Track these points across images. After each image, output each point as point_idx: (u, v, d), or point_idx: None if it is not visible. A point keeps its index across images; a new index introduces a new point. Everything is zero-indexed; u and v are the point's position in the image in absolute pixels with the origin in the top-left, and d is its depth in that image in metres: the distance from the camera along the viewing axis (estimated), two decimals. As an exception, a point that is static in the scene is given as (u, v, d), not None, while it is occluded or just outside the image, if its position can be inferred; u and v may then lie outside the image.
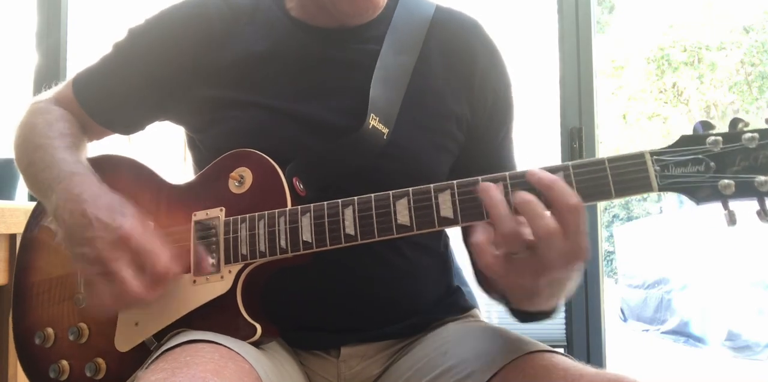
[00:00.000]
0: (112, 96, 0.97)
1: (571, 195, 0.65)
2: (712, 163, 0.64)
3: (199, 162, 0.98)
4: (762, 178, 0.62)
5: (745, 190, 0.63)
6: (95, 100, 0.97)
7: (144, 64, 0.95)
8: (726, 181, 0.63)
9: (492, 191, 0.67)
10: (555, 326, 2.23)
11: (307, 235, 0.78)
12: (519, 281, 0.68)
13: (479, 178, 0.70)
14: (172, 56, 0.94)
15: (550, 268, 0.66)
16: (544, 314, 0.79)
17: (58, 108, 0.97)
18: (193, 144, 0.99)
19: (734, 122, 0.65)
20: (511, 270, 0.67)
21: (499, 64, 1.00)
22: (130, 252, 0.76)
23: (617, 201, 12.88)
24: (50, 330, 0.91)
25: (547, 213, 0.65)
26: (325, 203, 0.78)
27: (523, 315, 0.81)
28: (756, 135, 0.63)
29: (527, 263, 0.66)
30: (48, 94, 1.01)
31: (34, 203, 1.01)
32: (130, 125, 1.01)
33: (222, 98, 0.92)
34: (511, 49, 1.02)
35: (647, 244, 7.16)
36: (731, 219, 0.65)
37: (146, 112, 0.99)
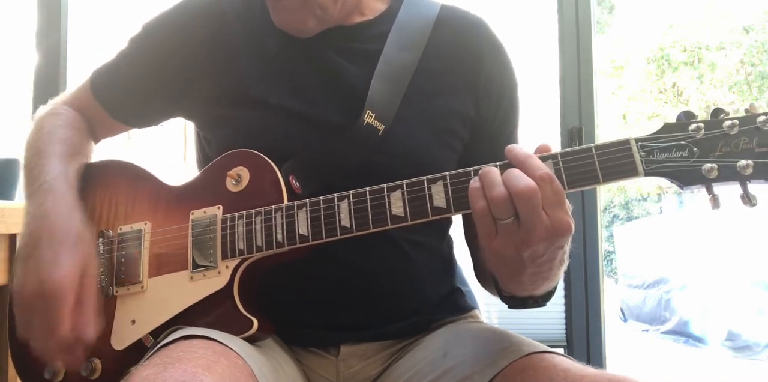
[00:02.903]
0: (128, 90, 0.98)
1: (539, 167, 0.67)
2: (695, 149, 0.67)
3: (205, 158, 0.99)
4: (743, 162, 0.65)
5: (727, 174, 0.66)
6: (111, 95, 0.99)
7: (159, 57, 0.96)
8: (709, 165, 0.66)
9: (489, 166, 0.71)
10: (555, 326, 2.23)
11: (303, 228, 0.79)
12: (503, 251, 0.69)
13: (471, 169, 0.72)
14: (187, 49, 0.95)
15: (533, 239, 0.67)
16: (534, 300, 0.80)
17: (69, 111, 0.99)
18: (200, 141, 1.00)
19: (716, 112, 0.68)
20: (498, 236, 0.68)
21: (504, 62, 1.01)
22: (47, 305, 0.77)
23: (617, 200, 12.88)
24: None
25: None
26: (321, 197, 0.79)
27: (514, 301, 0.81)
28: (736, 122, 0.66)
29: (512, 231, 0.67)
30: (62, 96, 1.03)
31: (34, 204, 1.01)
32: (145, 119, 1.02)
33: (228, 94, 0.93)
34: (511, 49, 1.02)
35: (647, 244, 7.15)
36: (715, 203, 0.67)
37: (161, 106, 1.00)
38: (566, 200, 0.68)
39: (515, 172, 0.68)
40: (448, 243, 1.03)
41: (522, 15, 2.45)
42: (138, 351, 0.82)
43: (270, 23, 0.95)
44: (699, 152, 0.67)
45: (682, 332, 5.86)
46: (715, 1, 10.88)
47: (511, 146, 0.70)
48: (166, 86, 0.97)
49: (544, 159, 0.70)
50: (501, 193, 0.66)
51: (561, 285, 0.77)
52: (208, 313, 0.82)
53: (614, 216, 13.01)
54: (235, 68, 0.93)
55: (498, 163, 0.71)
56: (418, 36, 0.95)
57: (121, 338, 0.85)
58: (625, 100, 11.73)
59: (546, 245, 0.68)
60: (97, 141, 1.03)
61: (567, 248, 0.72)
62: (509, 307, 0.83)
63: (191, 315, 0.82)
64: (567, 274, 0.78)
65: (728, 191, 0.67)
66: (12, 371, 1.15)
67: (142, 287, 0.86)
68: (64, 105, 1.01)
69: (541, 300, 0.80)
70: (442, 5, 1.00)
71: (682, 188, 0.68)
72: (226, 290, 0.82)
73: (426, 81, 0.94)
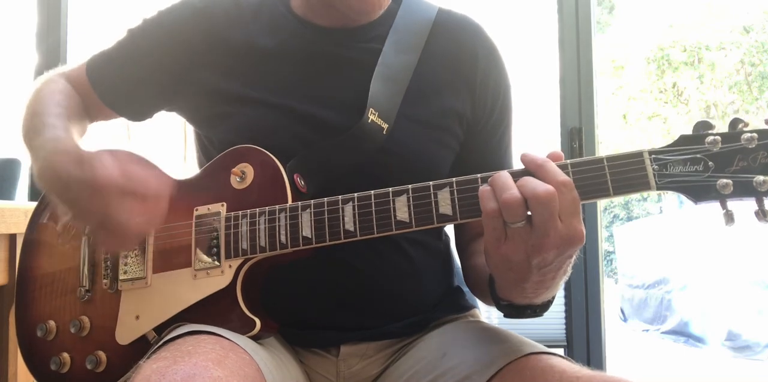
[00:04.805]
0: (123, 78, 0.99)
1: (560, 173, 0.66)
2: (710, 163, 0.65)
3: (205, 157, 0.99)
4: (761, 178, 0.63)
5: (743, 189, 0.64)
6: (106, 82, 0.99)
7: (155, 52, 0.97)
8: (724, 180, 0.64)
9: (499, 172, 0.70)
10: (555, 326, 2.23)
11: (306, 230, 0.78)
12: (511, 257, 0.68)
13: (478, 176, 0.71)
14: (181, 49, 0.96)
15: (545, 245, 0.66)
16: (532, 310, 0.79)
17: (63, 81, 0.99)
18: (200, 139, 1.01)
19: (734, 122, 0.65)
20: (507, 241, 0.68)
21: (499, 65, 1.02)
22: (115, 193, 0.75)
23: (617, 201, 12.89)
24: (52, 323, 0.92)
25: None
26: (325, 199, 0.79)
27: (511, 309, 0.80)
28: (755, 135, 0.63)
29: (524, 237, 0.67)
30: (61, 69, 1.03)
31: (34, 203, 1.02)
32: (136, 110, 1.02)
33: (226, 92, 0.93)
34: (511, 49, 1.03)
35: (647, 244, 7.15)
36: (729, 218, 0.65)
37: (154, 98, 1.00)
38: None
39: (531, 178, 0.67)
40: (445, 241, 1.03)
41: (522, 15, 2.45)
42: (142, 347, 0.83)
43: (275, 21, 0.96)
44: (714, 167, 0.65)
45: (682, 332, 5.86)
46: (715, 1, 10.88)
47: (525, 152, 0.70)
48: (161, 77, 0.97)
49: None
50: (514, 195, 0.65)
51: (561, 285, 0.76)
52: (211, 311, 0.82)
53: (614, 216, 13.02)
54: (237, 65, 0.94)
55: (506, 170, 0.70)
56: (415, 39, 0.96)
57: (126, 333, 0.86)
58: (625, 100, 11.73)
59: (556, 252, 0.67)
60: (91, 120, 1.02)
61: (574, 258, 0.71)
62: (505, 316, 0.82)
63: (194, 313, 0.83)
64: (567, 274, 0.77)
65: (742, 205, 0.65)
66: (12, 368, 1.15)
67: (147, 283, 0.87)
68: (61, 78, 1.00)
69: (539, 310, 0.79)
70: (439, 9, 1.02)
71: (695, 203, 0.66)
72: (230, 290, 0.82)
73: (424, 83, 0.95)
